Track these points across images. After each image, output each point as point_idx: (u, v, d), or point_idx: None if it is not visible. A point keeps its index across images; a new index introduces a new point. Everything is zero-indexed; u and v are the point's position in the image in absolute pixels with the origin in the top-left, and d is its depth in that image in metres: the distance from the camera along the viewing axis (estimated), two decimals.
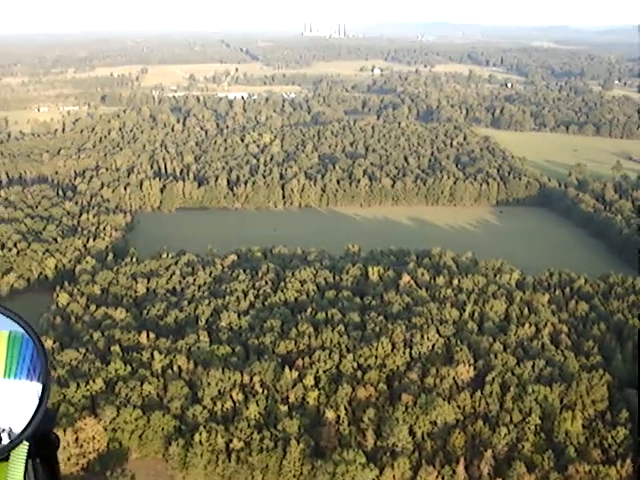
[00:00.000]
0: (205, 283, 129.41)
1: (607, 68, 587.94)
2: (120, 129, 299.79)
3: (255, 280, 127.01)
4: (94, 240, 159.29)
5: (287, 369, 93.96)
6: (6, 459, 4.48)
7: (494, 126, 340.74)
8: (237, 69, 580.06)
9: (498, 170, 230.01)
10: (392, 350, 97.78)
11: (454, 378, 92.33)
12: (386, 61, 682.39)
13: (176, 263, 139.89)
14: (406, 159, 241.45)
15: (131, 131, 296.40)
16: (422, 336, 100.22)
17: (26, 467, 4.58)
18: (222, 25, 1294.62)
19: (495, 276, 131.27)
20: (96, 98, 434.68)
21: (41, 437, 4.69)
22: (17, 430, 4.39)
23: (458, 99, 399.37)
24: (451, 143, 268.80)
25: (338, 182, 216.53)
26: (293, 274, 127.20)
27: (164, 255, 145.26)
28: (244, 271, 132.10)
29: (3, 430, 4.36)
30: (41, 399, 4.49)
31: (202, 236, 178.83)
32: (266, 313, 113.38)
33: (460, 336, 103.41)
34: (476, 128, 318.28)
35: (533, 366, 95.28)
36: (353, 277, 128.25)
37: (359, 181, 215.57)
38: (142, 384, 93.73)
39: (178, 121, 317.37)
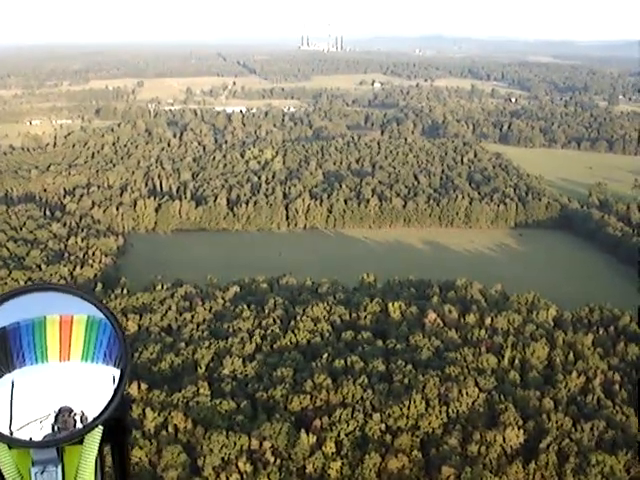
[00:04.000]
0: (204, 320, 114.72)
1: (610, 83, 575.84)
2: (114, 144, 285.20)
3: (261, 317, 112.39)
4: (81, 267, 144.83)
5: (303, 432, 79.54)
6: (80, 442, 4.49)
7: (502, 142, 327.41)
8: (234, 82, 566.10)
9: (515, 190, 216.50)
10: (426, 408, 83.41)
11: (502, 445, 78.02)
12: (385, 75, 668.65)
13: (172, 296, 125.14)
14: (416, 177, 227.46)
15: (125, 146, 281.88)
16: (459, 391, 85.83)
17: (99, 451, 4.59)
18: (218, 38, 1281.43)
19: (529, 313, 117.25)
20: (90, 111, 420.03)
21: (115, 422, 4.64)
22: (91, 414, 4.43)
23: (463, 114, 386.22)
24: (462, 160, 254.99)
25: (345, 202, 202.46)
26: (304, 311, 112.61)
27: (158, 287, 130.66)
28: (248, 306, 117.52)
29: (75, 413, 4.40)
30: (118, 385, 4.52)
31: (200, 261, 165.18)
32: (275, 358, 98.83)
33: (503, 389, 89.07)
34: (485, 144, 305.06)
35: (592, 428, 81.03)
36: (372, 314, 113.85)
37: (368, 201, 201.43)
38: (132, 448, 79.15)
39: (175, 136, 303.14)
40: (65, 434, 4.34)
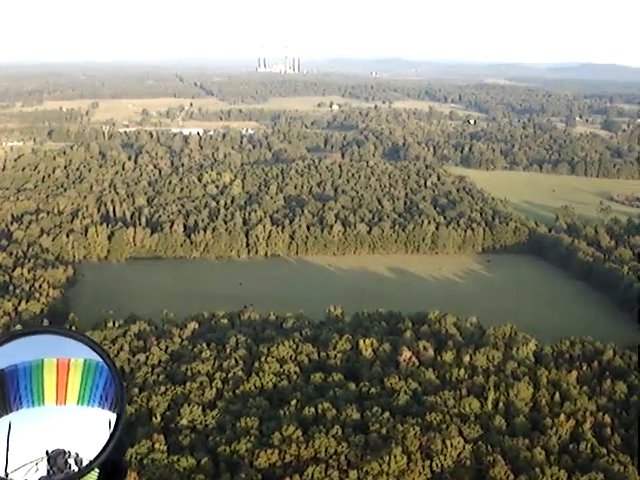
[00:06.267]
0: (160, 362, 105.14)
1: (566, 105, 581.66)
2: (66, 167, 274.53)
3: (222, 358, 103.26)
4: (27, 302, 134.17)
5: None
6: None
7: (464, 164, 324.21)
8: (191, 104, 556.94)
9: (481, 214, 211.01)
10: (407, 463, 75.35)
11: None
12: (343, 97, 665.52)
13: (124, 334, 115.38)
14: (380, 202, 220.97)
15: (77, 169, 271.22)
16: (443, 441, 77.99)
17: None
18: (175, 58, 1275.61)
19: (508, 348, 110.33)
20: (42, 133, 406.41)
21: (111, 465, 4.68)
22: (87, 457, 4.48)
23: (423, 136, 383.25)
24: (425, 183, 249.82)
25: (308, 228, 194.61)
26: (269, 350, 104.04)
27: (110, 323, 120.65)
28: (208, 345, 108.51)
29: (70, 456, 4.44)
30: (114, 428, 4.55)
31: (156, 292, 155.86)
32: (239, 406, 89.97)
33: (489, 438, 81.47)
34: (447, 167, 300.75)
35: None
36: (342, 352, 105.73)
37: (332, 227, 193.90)
38: None
39: (129, 158, 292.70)
40: (61, 477, 4.32)
